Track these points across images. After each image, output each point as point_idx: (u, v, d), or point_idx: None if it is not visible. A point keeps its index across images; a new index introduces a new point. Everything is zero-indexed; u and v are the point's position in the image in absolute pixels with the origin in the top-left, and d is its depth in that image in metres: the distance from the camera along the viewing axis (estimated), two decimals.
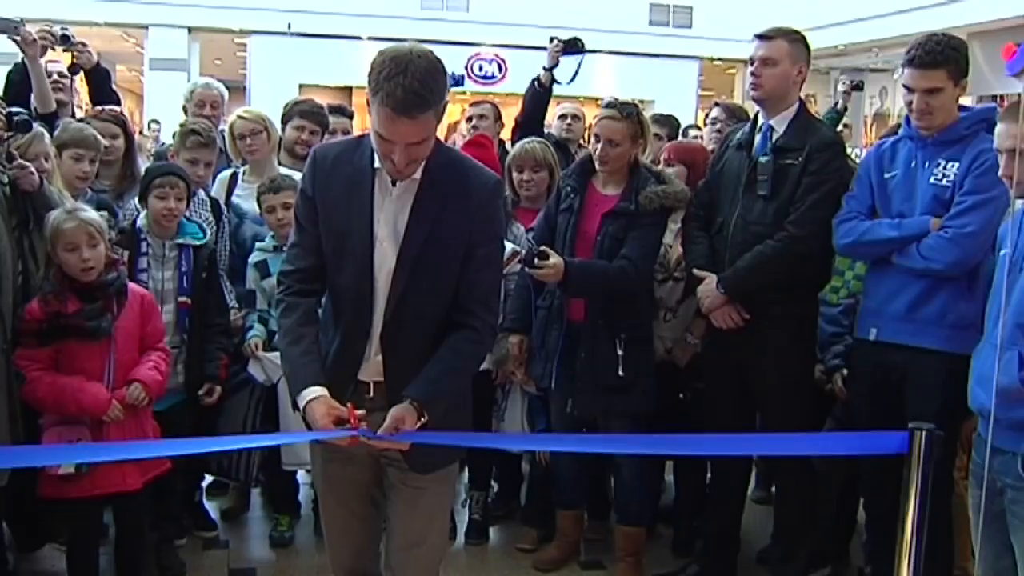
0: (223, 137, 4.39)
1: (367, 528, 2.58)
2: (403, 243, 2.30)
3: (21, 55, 4.18)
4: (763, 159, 3.35)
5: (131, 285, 3.30)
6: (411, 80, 2.08)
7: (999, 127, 2.60)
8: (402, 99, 2.08)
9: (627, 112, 3.50)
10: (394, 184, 2.30)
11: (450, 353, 2.34)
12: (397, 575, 2.50)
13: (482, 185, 2.36)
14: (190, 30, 18.23)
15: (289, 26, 17.52)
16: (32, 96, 4.16)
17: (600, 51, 15.96)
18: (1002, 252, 2.61)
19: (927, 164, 3.08)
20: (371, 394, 2.35)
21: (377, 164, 2.29)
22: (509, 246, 3.40)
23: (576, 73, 4.90)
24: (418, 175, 2.29)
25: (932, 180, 3.05)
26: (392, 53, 2.13)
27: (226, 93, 4.82)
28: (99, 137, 3.80)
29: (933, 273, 3.01)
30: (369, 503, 2.54)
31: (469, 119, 4.98)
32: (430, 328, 2.35)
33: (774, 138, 3.36)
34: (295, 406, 2.32)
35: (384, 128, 2.16)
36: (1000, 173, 2.61)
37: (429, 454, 2.37)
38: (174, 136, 4.20)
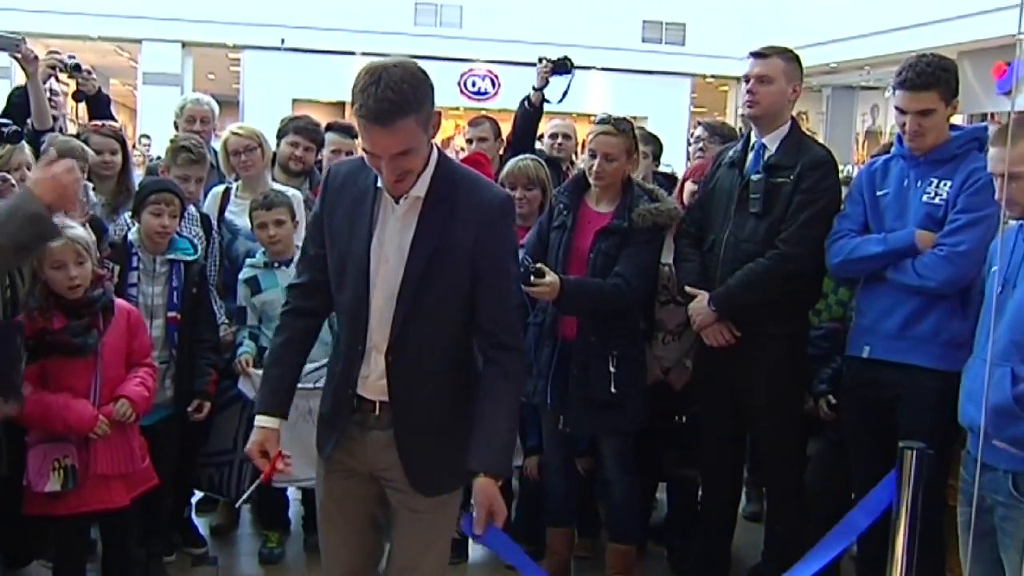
0: (214, 152, 4.37)
1: (363, 544, 2.51)
2: (408, 261, 2.25)
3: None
4: (755, 177, 3.35)
5: (117, 301, 3.28)
6: (383, 89, 2.05)
7: (991, 151, 2.60)
8: (374, 108, 2.05)
9: (622, 127, 3.50)
10: (398, 202, 2.26)
11: (491, 406, 2.29)
12: None
13: (489, 201, 2.29)
14: (183, 44, 18.22)
15: (283, 41, 17.50)
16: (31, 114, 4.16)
17: (593, 67, 16.00)
18: (992, 269, 2.62)
19: (919, 183, 3.08)
20: (376, 412, 2.33)
21: (381, 183, 2.25)
22: None
23: (566, 92, 4.90)
24: (422, 192, 2.24)
25: (924, 199, 3.06)
26: (369, 66, 2.11)
27: (217, 108, 4.80)
28: (87, 148, 3.79)
29: (927, 291, 3.01)
30: (368, 520, 2.48)
31: (469, 141, 4.93)
32: (437, 348, 2.31)
33: (766, 156, 3.37)
34: None
35: (365, 140, 2.15)
36: (996, 196, 2.61)
37: (437, 477, 2.35)
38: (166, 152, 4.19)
